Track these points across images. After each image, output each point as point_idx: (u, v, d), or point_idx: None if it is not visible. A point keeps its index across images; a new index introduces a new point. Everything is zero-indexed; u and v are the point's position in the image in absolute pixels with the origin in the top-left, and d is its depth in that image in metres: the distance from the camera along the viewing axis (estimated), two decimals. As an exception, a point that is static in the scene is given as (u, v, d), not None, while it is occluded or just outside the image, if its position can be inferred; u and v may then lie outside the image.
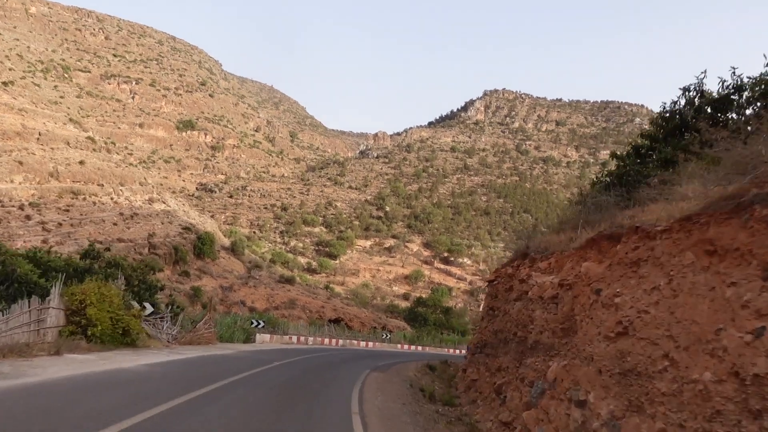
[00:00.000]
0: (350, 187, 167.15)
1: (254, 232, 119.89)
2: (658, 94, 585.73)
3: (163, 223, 64.00)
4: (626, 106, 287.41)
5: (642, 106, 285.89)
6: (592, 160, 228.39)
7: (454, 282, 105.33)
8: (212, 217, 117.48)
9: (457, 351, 58.43)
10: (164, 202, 74.46)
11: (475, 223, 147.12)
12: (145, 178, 78.99)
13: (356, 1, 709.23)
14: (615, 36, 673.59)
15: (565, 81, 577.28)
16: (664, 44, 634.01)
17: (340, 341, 47.26)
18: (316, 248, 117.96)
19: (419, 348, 56.07)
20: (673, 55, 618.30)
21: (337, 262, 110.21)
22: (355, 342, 49.47)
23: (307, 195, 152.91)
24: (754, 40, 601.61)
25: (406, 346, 55.03)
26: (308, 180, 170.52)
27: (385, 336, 53.72)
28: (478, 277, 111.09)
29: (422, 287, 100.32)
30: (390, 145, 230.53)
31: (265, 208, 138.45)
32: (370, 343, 50.75)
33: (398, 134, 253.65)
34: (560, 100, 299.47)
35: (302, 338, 41.87)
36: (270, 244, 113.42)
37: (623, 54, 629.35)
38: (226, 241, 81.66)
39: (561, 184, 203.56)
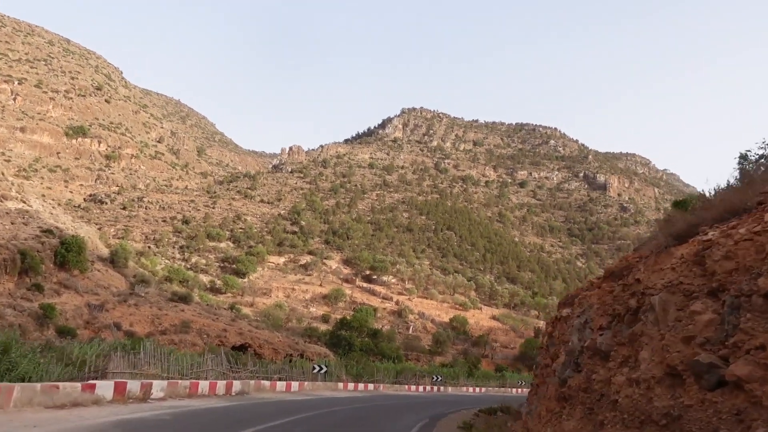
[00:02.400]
0: (262, 201, 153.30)
1: (149, 247, 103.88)
2: (569, 118, 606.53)
3: (13, 224, 49.22)
4: (541, 129, 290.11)
5: (555, 129, 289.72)
6: (509, 180, 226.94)
7: (379, 302, 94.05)
8: (99, 229, 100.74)
9: (420, 389, 50.15)
10: (24, 201, 59.11)
11: (398, 239, 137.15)
12: (2, 173, 63.36)
13: (270, 17, 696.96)
14: (528, 61, 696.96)
15: (481, 103, 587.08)
16: (575, 71, 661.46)
17: (235, 385, 26.12)
18: (222, 265, 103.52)
19: (369, 387, 42.33)
20: (584, 82, 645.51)
21: (246, 280, 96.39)
22: (267, 384, 30.09)
23: (213, 208, 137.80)
24: (662, 60, 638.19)
25: (350, 385, 39.68)
26: (215, 193, 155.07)
27: (318, 369, 37.54)
28: (404, 296, 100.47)
29: (343, 308, 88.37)
30: (305, 160, 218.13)
31: (164, 221, 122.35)
32: (294, 384, 32.67)
33: (314, 150, 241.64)
34: (477, 120, 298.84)
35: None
36: (167, 261, 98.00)
37: (538, 79, 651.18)
38: (105, 251, 66.60)
39: (481, 202, 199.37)
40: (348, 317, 68.47)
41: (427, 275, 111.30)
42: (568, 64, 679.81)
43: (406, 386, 47.74)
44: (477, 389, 56.93)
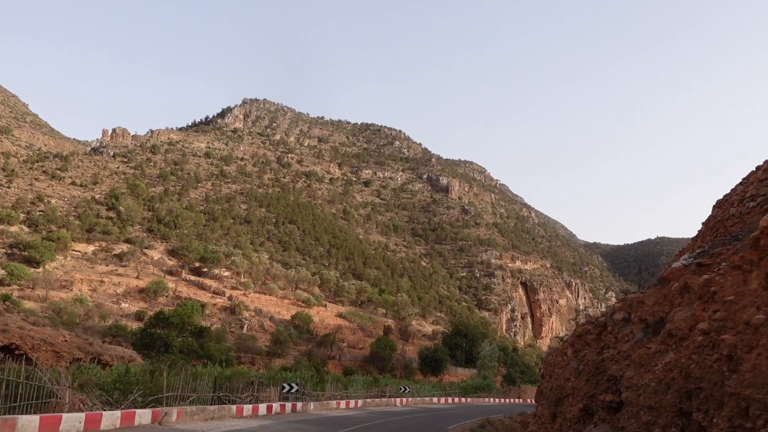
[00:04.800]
0: (74, 183, 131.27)
1: None
2: (413, 122, 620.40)
3: None
4: (386, 130, 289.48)
5: (400, 131, 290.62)
6: (354, 179, 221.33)
7: (209, 297, 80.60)
8: None
9: (262, 408, 27.81)
10: None
11: (235, 231, 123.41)
12: None
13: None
14: (376, 63, 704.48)
15: (328, 101, 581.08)
16: (419, 76, 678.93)
17: None
18: (10, 252, 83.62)
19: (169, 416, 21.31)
20: (427, 89, 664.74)
21: (40, 270, 78.07)
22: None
23: (8, 187, 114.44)
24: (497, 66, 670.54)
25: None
26: (13, 170, 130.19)
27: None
28: (239, 291, 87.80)
29: (165, 303, 73.83)
30: (132, 144, 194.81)
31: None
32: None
33: (143, 135, 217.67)
34: (323, 117, 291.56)
35: None
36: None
37: (384, 80, 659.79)
38: None
39: (325, 199, 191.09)
40: (166, 312, 54.98)
41: (266, 268, 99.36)
42: (414, 70, 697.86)
43: (235, 408, 25.96)
44: (350, 402, 37.60)
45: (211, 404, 25.68)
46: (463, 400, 55.48)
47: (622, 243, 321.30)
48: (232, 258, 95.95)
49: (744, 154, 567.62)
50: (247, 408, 26.92)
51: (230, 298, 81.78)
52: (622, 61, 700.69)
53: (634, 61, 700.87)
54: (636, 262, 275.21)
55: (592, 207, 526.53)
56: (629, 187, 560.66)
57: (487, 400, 59.91)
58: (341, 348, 73.60)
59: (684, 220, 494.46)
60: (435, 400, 50.87)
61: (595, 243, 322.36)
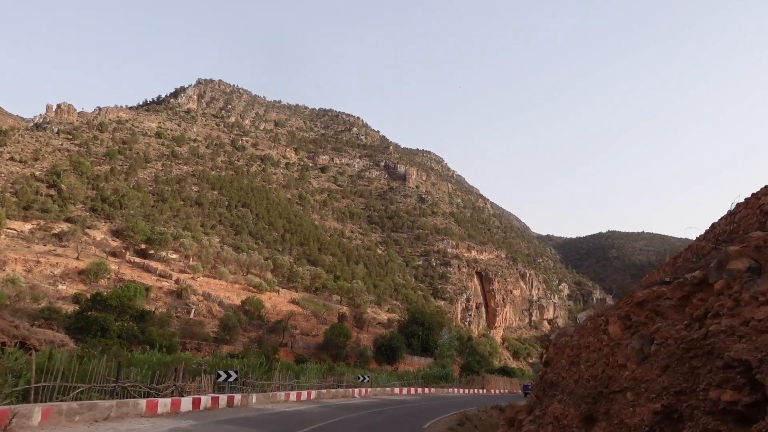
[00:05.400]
0: (12, 159, 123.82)
1: None
2: (371, 110, 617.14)
3: None
4: (344, 116, 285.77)
5: (358, 118, 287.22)
6: (311, 164, 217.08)
7: (154, 280, 76.41)
8: None
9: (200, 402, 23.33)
10: None
11: (185, 213, 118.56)
12: None
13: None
14: (335, 48, 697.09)
15: (285, 84, 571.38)
16: (378, 63, 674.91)
17: None
18: (-65, 229, 77.68)
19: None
20: (387, 76, 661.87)
21: (-31, 248, 72.61)
22: None
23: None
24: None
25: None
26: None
27: None
28: (188, 274, 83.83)
29: (106, 286, 69.50)
30: (78, 121, 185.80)
31: None
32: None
33: (90, 113, 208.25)
34: (279, 101, 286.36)
35: None
36: None
37: (343, 67, 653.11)
38: None
39: (280, 184, 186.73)
40: (104, 294, 51.11)
41: (217, 252, 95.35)
42: (372, 57, 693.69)
43: (145, 403, 19.79)
44: (302, 394, 32.68)
45: (112, 398, 19.35)
46: (425, 390, 53.08)
47: (574, 236, 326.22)
48: (181, 240, 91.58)
49: (689, 152, 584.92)
50: (164, 403, 20.58)
51: (177, 281, 77.75)
52: (573, 54, 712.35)
53: (589, 53, 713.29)
54: (588, 254, 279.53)
55: (546, 201, 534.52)
56: (582, 181, 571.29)
57: (450, 390, 57.84)
58: (294, 335, 70.71)
59: (633, 215, 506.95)
60: (396, 390, 47.41)
61: (548, 235, 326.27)
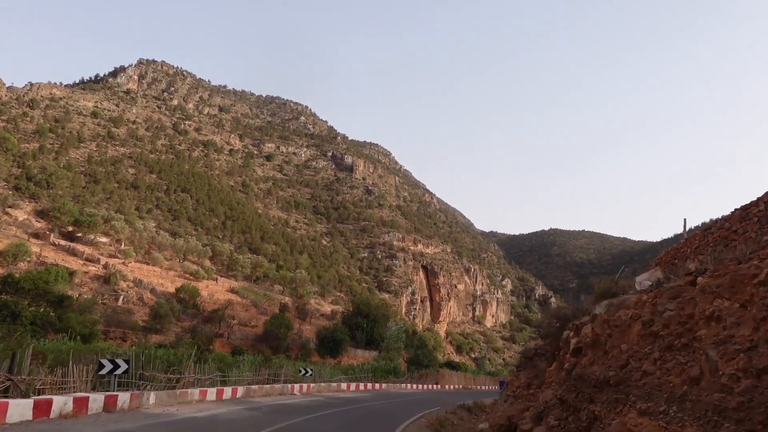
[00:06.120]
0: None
1: None
2: (320, 99, 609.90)
3: None
4: (292, 104, 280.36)
5: (306, 107, 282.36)
6: (256, 152, 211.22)
7: (80, 264, 70.87)
8: None
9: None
10: None
11: (119, 195, 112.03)
12: None
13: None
14: (283, 35, 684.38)
15: (231, 69, 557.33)
16: (327, 52, 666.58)
17: None
18: None
19: None
20: (337, 65, 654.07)
21: None
22: None
23: None
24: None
25: None
26: None
27: None
28: (118, 259, 78.47)
29: (26, 269, 63.69)
30: (6, 96, 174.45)
31: None
32: None
33: (21, 88, 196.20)
34: (225, 86, 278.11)
35: None
36: None
37: (291, 55, 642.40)
38: None
39: (223, 170, 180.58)
40: (17, 276, 46.15)
41: (152, 236, 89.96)
42: (320, 45, 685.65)
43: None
44: (225, 391, 26.14)
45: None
46: (375, 386, 49.69)
47: (517, 233, 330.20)
48: (112, 223, 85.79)
49: (637, 151, 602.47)
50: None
51: (106, 266, 72.42)
52: (525, 50, 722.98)
53: (538, 49, 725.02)
54: (530, 251, 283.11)
55: (490, 198, 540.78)
56: (526, 179, 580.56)
57: (403, 386, 54.88)
58: (231, 325, 66.77)
59: (574, 213, 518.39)
60: (344, 386, 42.59)
61: (492, 232, 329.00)
